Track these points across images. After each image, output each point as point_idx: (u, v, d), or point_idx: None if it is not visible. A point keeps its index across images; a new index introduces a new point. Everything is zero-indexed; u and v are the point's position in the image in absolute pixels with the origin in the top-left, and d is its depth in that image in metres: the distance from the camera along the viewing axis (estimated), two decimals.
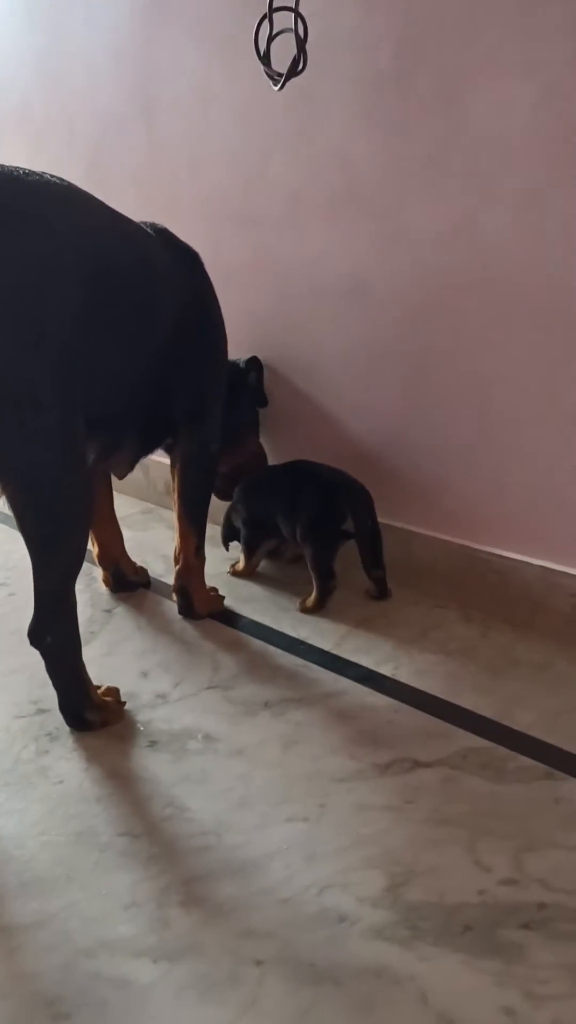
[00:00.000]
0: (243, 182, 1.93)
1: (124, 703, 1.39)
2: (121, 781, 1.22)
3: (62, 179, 1.26)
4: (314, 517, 1.73)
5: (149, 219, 1.62)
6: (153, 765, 1.25)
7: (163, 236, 1.56)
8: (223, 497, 2.00)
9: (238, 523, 1.92)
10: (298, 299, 1.90)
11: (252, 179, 1.91)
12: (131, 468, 1.69)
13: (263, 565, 1.96)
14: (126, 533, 1.91)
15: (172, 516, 1.74)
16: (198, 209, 2.04)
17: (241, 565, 1.93)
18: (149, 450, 1.70)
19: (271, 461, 2.02)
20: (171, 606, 1.75)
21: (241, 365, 1.95)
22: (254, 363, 1.97)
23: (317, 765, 1.25)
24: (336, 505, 1.72)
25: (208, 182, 2.01)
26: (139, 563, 1.92)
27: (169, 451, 1.71)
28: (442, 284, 1.65)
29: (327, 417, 1.93)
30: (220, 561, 1.99)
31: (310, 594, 1.75)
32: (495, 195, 1.53)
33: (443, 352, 1.68)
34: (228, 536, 1.99)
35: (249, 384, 1.96)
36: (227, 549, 2.01)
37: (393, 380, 1.79)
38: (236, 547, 2.01)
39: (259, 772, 1.24)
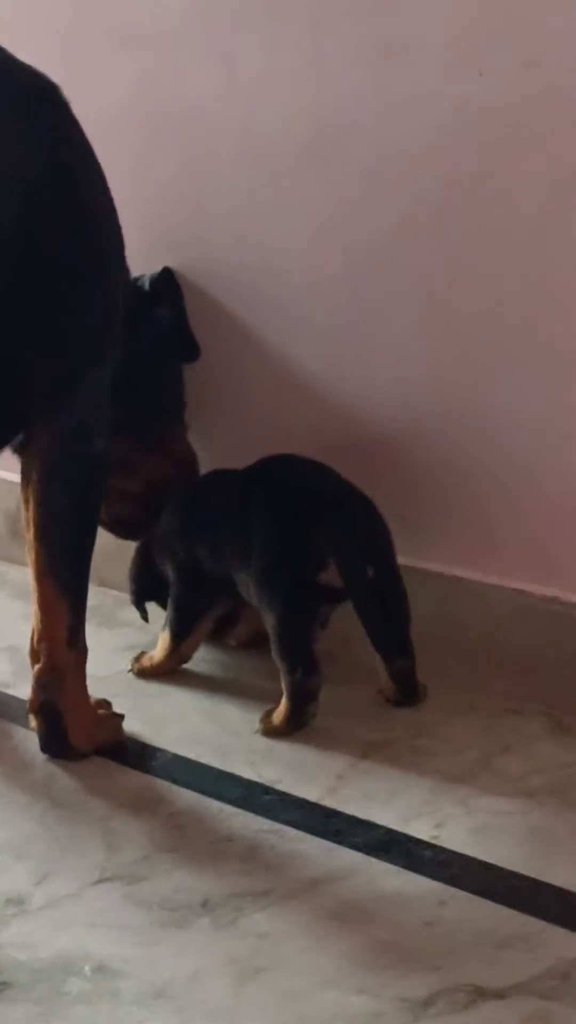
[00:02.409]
0: None
1: None
2: None
3: None
4: (275, 557, 1.76)
5: None
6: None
7: None
8: (127, 535, 2.01)
9: (166, 568, 1.93)
10: (224, 169, 1.94)
11: None
12: None
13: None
14: None
15: (26, 574, 1.76)
16: (51, 22, 2.08)
17: (158, 654, 1.94)
18: None
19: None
20: (27, 738, 1.77)
21: (145, 287, 1.95)
22: (167, 283, 1.97)
23: (299, 1008, 1.26)
24: (314, 535, 1.74)
25: None
26: None
27: (20, 455, 1.74)
28: (477, 134, 1.69)
29: (285, 382, 1.96)
30: (115, 650, 2.00)
31: (278, 703, 1.77)
32: None
33: (488, 256, 1.73)
34: (143, 593, 2.00)
35: (162, 321, 1.97)
36: (144, 617, 2.02)
37: (404, 314, 1.82)
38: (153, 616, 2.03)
39: None
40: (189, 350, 2.01)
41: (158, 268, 1.97)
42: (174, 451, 2.02)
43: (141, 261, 1.97)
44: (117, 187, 1.78)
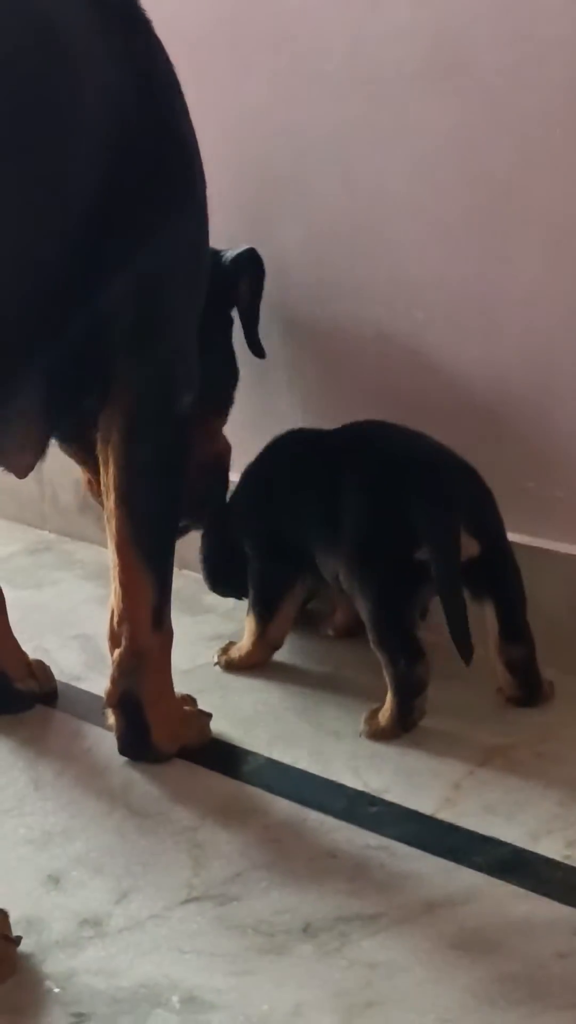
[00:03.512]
0: None
1: (17, 941, 1.40)
2: None
3: None
4: (369, 534, 1.76)
5: None
6: None
7: None
8: None
9: (246, 544, 1.95)
10: (326, 93, 1.94)
11: None
12: (39, 454, 1.74)
13: (288, 641, 1.98)
14: (6, 593, 1.93)
15: (97, 553, 1.76)
16: None
17: (245, 643, 1.96)
18: (65, 418, 1.74)
19: (255, 448, 2.04)
20: (103, 738, 1.77)
21: (225, 262, 1.97)
22: (250, 263, 1.99)
23: None
24: (402, 503, 1.74)
25: None
26: (31, 654, 1.94)
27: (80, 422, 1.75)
28: None
29: (390, 336, 1.97)
30: (199, 639, 2.01)
31: (384, 701, 1.77)
32: None
33: None
34: (219, 575, 2.03)
35: (237, 304, 2.00)
36: (224, 595, 2.05)
37: (533, 258, 1.82)
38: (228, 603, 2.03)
39: None
40: (253, 350, 2.04)
41: (240, 248, 1.99)
42: (213, 439, 2.04)
43: (228, 202, 1.98)
44: (201, 116, 1.79)
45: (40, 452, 1.73)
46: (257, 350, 2.04)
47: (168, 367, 1.71)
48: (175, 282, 1.70)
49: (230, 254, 1.97)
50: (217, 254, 1.96)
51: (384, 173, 1.93)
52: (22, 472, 1.75)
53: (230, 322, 2.02)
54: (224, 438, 2.07)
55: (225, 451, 2.07)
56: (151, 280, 1.66)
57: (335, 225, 2.01)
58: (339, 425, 1.93)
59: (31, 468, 1.74)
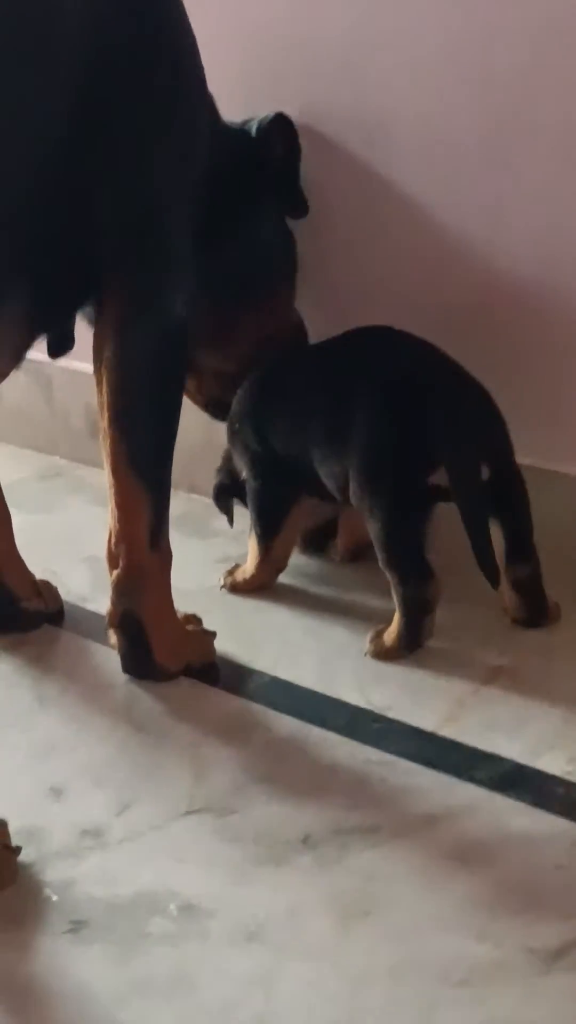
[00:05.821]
0: None
1: (17, 850, 1.42)
2: (16, 1001, 1.24)
3: None
4: (383, 454, 1.74)
5: None
6: (79, 968, 1.27)
7: None
8: (220, 415, 2.02)
9: (242, 466, 1.94)
10: None
11: None
12: (16, 360, 1.72)
13: (292, 563, 1.98)
14: (16, 517, 1.95)
15: (104, 473, 1.76)
16: None
17: (250, 564, 1.96)
18: (49, 326, 1.73)
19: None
20: (108, 657, 1.79)
21: (253, 134, 1.95)
22: (281, 129, 1.96)
23: (410, 952, 1.26)
24: (421, 423, 1.73)
25: None
26: (39, 575, 1.96)
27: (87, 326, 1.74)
28: None
29: (403, 243, 1.94)
30: (206, 562, 2.01)
31: (390, 621, 1.78)
32: None
33: None
34: (225, 493, 2.01)
35: (275, 170, 1.97)
36: (231, 521, 2.03)
37: (541, 164, 1.80)
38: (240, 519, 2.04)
39: (293, 971, 1.25)
40: (295, 207, 2.00)
41: (266, 114, 1.96)
42: (282, 313, 2.00)
43: (242, 107, 1.96)
44: (213, 24, 1.78)
45: (17, 359, 1.71)
46: (298, 210, 2.01)
47: (159, 273, 1.69)
48: (164, 188, 1.68)
49: (255, 123, 1.94)
50: (242, 126, 1.94)
51: (395, 79, 1.90)
52: (1, 375, 1.73)
53: (263, 192, 1.98)
54: (296, 312, 2.04)
55: (297, 327, 2.04)
56: (140, 190, 1.65)
57: (345, 134, 1.98)
58: (335, 334, 1.91)
59: (5, 375, 1.72)
